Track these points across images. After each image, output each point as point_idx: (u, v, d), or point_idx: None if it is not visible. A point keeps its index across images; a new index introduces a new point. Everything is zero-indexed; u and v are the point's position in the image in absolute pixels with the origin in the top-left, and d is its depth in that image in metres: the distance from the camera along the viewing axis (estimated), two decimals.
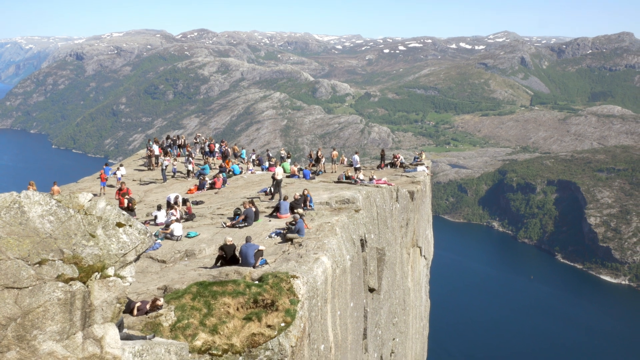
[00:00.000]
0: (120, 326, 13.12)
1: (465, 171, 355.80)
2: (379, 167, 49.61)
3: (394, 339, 33.60)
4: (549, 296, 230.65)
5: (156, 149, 51.97)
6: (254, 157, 54.14)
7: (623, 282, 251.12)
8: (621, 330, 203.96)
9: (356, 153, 48.52)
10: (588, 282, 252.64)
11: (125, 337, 13.25)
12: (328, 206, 27.85)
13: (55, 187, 35.15)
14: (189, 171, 46.59)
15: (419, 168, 46.29)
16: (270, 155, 55.46)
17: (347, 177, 39.67)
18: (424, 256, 46.29)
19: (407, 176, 43.04)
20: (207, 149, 55.25)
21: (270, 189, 34.42)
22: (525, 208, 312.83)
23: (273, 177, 34.21)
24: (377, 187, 33.48)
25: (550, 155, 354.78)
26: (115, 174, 44.82)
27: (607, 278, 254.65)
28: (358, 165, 45.93)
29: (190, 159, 48.77)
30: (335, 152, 50.24)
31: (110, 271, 11.75)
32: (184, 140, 58.10)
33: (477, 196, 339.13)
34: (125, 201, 31.67)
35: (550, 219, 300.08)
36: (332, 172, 46.31)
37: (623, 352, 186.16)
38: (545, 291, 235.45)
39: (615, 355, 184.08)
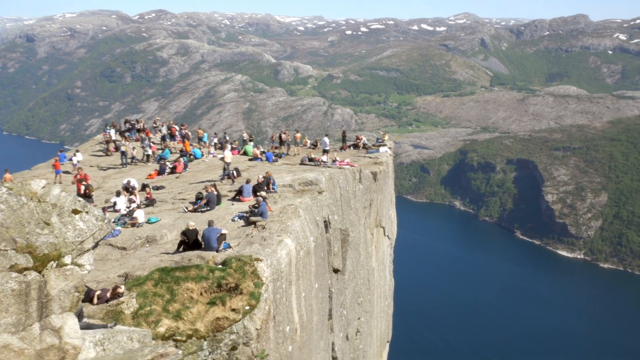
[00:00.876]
0: (79, 316, 12.81)
1: (427, 152, 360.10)
2: (341, 148, 49.65)
3: (359, 319, 33.92)
4: (509, 272, 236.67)
5: (113, 134, 50.78)
6: (215, 140, 53.47)
7: (578, 256, 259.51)
8: (577, 302, 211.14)
9: (326, 135, 48.50)
10: (546, 257, 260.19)
11: (86, 327, 12.96)
12: (291, 188, 27.74)
13: (7, 175, 33.98)
14: (148, 156, 45.68)
15: (382, 149, 46.51)
16: (227, 138, 54.88)
17: (310, 160, 39.57)
18: (388, 236, 46.73)
19: (370, 157, 43.19)
20: (167, 133, 54.29)
21: (233, 173, 34.11)
22: (485, 187, 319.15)
23: (222, 160, 34.51)
24: (340, 168, 33.51)
25: (509, 135, 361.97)
26: (71, 160, 43.64)
27: (564, 253, 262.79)
28: (327, 148, 45.87)
29: (150, 143, 47.83)
30: (298, 135, 50.04)
31: (67, 259, 11.41)
32: (143, 125, 56.90)
33: (439, 176, 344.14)
34: (82, 187, 30.86)
35: (509, 197, 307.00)
36: (294, 155, 46.13)
37: (579, 323, 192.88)
38: (505, 267, 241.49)
39: (573, 326, 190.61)
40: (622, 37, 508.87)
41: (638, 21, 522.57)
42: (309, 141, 51.54)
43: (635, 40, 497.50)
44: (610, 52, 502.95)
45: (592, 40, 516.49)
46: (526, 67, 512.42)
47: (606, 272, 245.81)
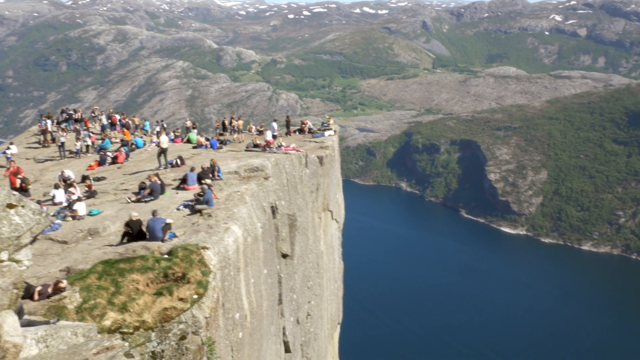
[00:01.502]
0: (19, 313, 12.43)
1: (373, 135, 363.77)
2: (287, 134, 49.58)
3: (309, 302, 34.21)
4: (455, 250, 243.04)
5: (50, 125, 48.96)
6: (157, 128, 52.37)
7: (521, 233, 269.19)
8: (521, 276, 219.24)
9: (274, 121, 48.21)
10: (490, 234, 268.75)
11: (26, 324, 12.58)
12: (237, 175, 27.55)
13: None
14: (88, 146, 44.30)
15: (326, 133, 46.74)
16: (165, 125, 53.89)
17: (256, 145, 39.36)
18: (336, 219, 47.14)
19: (316, 142, 43.32)
20: (107, 122, 52.77)
21: (177, 161, 33.58)
22: (430, 168, 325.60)
23: (158, 145, 33.99)
24: (286, 154, 33.51)
25: (452, 116, 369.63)
26: (4, 153, 41.84)
27: (507, 229, 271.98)
28: (276, 133, 45.69)
29: (89, 133, 46.39)
30: (240, 122, 49.57)
31: (4, 255, 11.03)
32: (81, 115, 55.08)
33: (385, 159, 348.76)
34: (18, 181, 29.67)
35: (454, 177, 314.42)
36: (239, 142, 45.74)
37: (524, 297, 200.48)
38: (451, 246, 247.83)
39: (518, 299, 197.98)
40: (558, 18, 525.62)
41: (573, 2, 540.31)
42: (254, 127, 51.21)
43: (571, 21, 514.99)
44: (547, 33, 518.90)
45: (530, 21, 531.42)
46: (467, 49, 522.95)
47: (547, 246, 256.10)
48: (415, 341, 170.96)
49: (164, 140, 33.86)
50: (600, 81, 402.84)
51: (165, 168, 33.26)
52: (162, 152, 33.75)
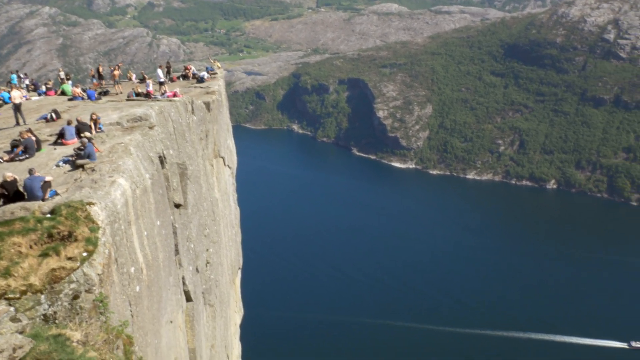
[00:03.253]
0: None
1: (261, 78, 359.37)
2: (170, 80, 47.79)
3: (207, 250, 34.10)
4: (349, 188, 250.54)
5: None
6: (27, 81, 48.44)
7: (410, 166, 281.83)
8: (409, 206, 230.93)
9: (159, 67, 46.00)
10: (382, 170, 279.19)
11: None
12: (119, 126, 26.30)
13: None
14: None
15: (203, 74, 45.87)
16: (22, 76, 50.04)
17: (138, 94, 37.63)
18: (228, 166, 46.74)
19: (201, 87, 42.16)
20: None
21: (52, 115, 31.39)
22: (321, 108, 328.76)
23: (11, 101, 31.76)
24: (171, 101, 32.35)
25: (339, 55, 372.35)
26: None
27: (398, 164, 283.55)
28: (162, 80, 43.74)
29: None
30: (116, 72, 46.90)
31: None
32: None
33: (275, 101, 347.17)
34: None
35: (344, 117, 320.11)
36: (118, 93, 43.44)
37: (415, 226, 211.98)
38: (345, 184, 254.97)
39: (409, 229, 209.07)
40: None
41: None
42: (133, 75, 48.80)
43: None
44: None
45: None
46: None
47: (435, 177, 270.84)
48: (317, 277, 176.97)
49: (16, 96, 31.47)
50: (477, 15, 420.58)
51: (47, 121, 31.04)
52: (16, 108, 31.26)
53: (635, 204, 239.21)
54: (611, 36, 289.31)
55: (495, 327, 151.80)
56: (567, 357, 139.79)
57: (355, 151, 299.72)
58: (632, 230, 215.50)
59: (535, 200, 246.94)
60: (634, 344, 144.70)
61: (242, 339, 53.36)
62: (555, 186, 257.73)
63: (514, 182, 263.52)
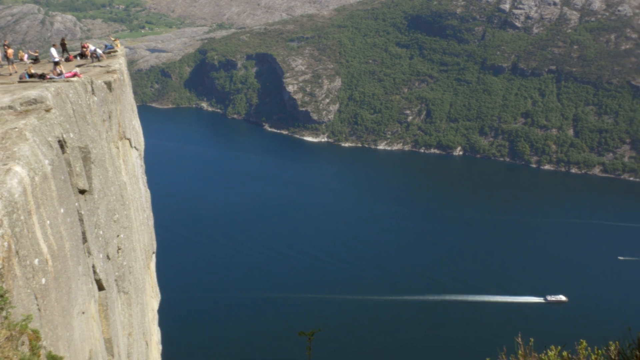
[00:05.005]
0: None
1: (165, 55, 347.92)
2: (67, 59, 45.06)
3: (118, 236, 32.93)
4: (262, 164, 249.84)
5: None
6: None
7: (323, 140, 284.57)
8: (324, 179, 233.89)
9: (53, 46, 42.99)
10: (294, 145, 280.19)
11: None
12: (12, 110, 24.54)
13: None
14: None
15: (98, 51, 43.77)
16: None
17: (31, 75, 35.24)
18: (135, 147, 45.08)
19: (101, 66, 40.11)
20: None
21: None
22: (230, 85, 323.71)
23: None
24: (68, 81, 30.56)
25: (245, 30, 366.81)
26: None
27: (310, 138, 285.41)
28: (57, 60, 40.97)
29: None
30: (10, 50, 43.69)
31: None
32: None
33: (182, 79, 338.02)
34: None
35: (254, 92, 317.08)
36: (10, 74, 40.49)
37: (329, 199, 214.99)
38: (258, 160, 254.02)
39: (325, 202, 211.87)
40: None
41: None
42: (25, 55, 45.58)
43: None
44: None
45: None
46: None
47: (347, 150, 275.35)
48: (236, 256, 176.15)
49: None
50: None
51: None
52: None
53: (534, 165, 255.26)
54: (507, 6, 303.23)
55: (421, 292, 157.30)
56: (491, 315, 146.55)
57: (267, 127, 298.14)
58: (534, 191, 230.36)
59: (444, 167, 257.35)
60: (549, 297, 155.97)
61: (161, 324, 52.43)
62: (461, 153, 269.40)
63: (422, 150, 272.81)
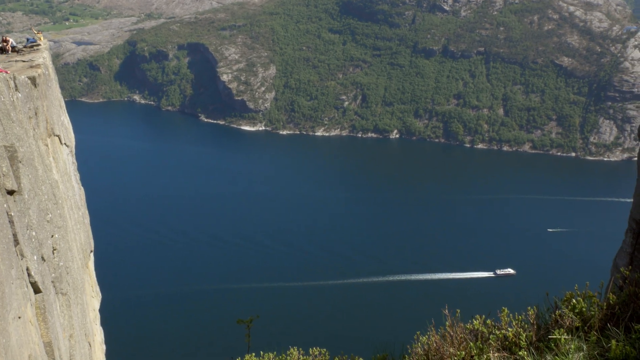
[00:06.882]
0: None
1: (93, 47, 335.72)
2: None
3: (52, 236, 31.71)
4: (199, 155, 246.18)
5: None
6: None
7: (260, 129, 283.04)
8: (265, 168, 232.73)
9: None
10: (232, 134, 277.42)
11: None
12: None
13: None
14: None
15: (15, 45, 41.85)
16: None
17: None
18: (66, 144, 43.40)
19: (24, 61, 38.34)
20: None
21: None
22: (162, 76, 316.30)
23: None
24: None
25: (175, 19, 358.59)
26: None
27: (247, 128, 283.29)
28: None
29: None
30: None
31: None
32: None
33: (112, 72, 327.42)
34: None
35: (188, 83, 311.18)
36: None
37: (272, 186, 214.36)
38: (194, 151, 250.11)
39: (264, 191, 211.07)
40: None
41: None
42: None
43: None
44: None
45: None
46: None
47: (285, 137, 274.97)
48: (179, 249, 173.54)
49: None
50: None
51: None
52: None
53: (468, 145, 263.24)
54: None
55: (370, 274, 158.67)
56: (443, 291, 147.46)
57: (203, 118, 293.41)
58: (469, 169, 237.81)
59: (382, 150, 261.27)
60: (498, 271, 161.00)
61: (104, 323, 51.03)
62: (397, 136, 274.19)
63: (360, 135, 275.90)
